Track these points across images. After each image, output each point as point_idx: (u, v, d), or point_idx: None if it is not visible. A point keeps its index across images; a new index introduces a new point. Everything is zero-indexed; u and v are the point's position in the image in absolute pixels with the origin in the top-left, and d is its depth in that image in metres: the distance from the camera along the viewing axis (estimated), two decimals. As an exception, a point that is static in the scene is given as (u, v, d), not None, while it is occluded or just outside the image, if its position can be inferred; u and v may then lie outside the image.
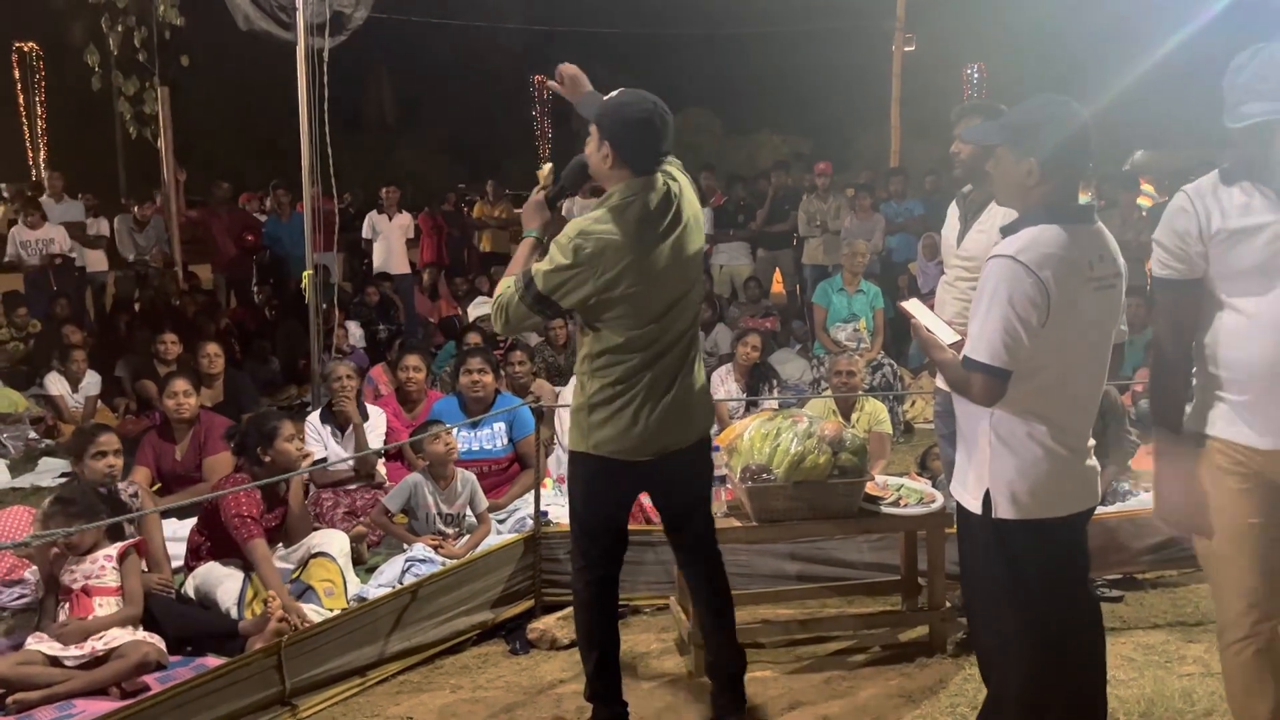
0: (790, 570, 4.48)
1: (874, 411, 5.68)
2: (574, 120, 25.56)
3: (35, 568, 4.03)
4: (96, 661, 3.58)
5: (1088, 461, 2.73)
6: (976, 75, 24.80)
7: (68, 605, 3.74)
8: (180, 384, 5.33)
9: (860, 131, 20.75)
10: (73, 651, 3.56)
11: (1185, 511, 2.73)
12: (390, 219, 10.70)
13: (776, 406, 6.36)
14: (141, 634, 3.72)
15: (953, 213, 4.06)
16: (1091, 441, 2.75)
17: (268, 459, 4.25)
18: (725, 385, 6.80)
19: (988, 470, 2.67)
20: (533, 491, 5.40)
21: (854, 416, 5.68)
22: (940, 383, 3.91)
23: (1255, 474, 2.63)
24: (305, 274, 6.14)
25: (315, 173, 6.01)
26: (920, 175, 11.55)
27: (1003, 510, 2.65)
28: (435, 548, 4.54)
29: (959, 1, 18.14)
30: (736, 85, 25.36)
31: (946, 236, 4.07)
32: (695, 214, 3.09)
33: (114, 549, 3.81)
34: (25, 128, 23.40)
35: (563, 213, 11.51)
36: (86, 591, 3.73)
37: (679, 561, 3.49)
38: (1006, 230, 2.64)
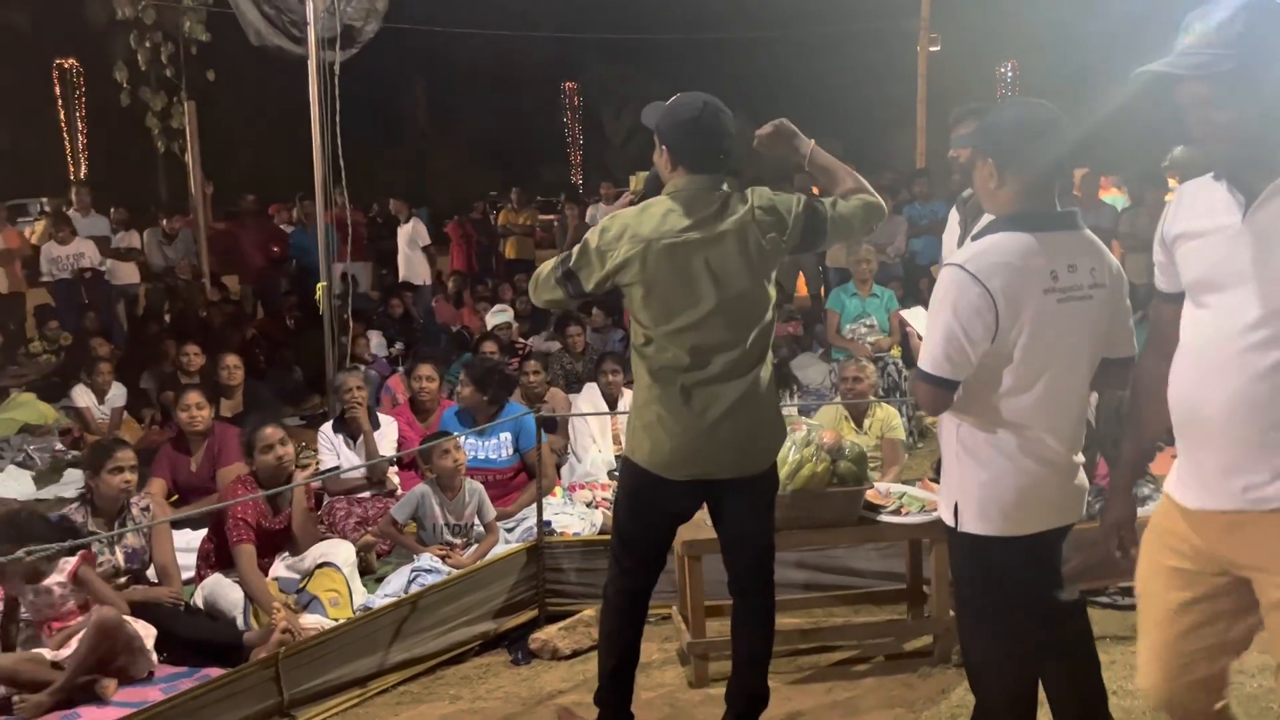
0: (798, 578, 4.44)
1: (886, 417, 5.63)
2: (605, 127, 25.50)
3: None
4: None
5: (1072, 479, 2.63)
6: (1010, 73, 24.58)
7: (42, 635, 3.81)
8: (193, 396, 5.39)
9: (892, 132, 20.61)
10: (65, 653, 3.62)
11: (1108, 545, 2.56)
12: (401, 226, 10.77)
13: (795, 413, 6.34)
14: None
15: (953, 218, 4.02)
16: (1079, 458, 2.65)
17: (254, 468, 4.31)
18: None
19: (955, 482, 2.64)
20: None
21: (866, 423, 5.63)
22: None
23: (1187, 542, 2.29)
24: (319, 285, 6.18)
25: (327, 185, 6.04)
26: (947, 176, 11.44)
27: (968, 524, 2.60)
28: (443, 558, 4.55)
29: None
30: (767, 89, 25.25)
31: (947, 242, 4.04)
32: (756, 241, 2.91)
33: (63, 572, 3.83)
34: (66, 143, 23.83)
35: (586, 219, 11.58)
36: (48, 625, 3.79)
37: (728, 579, 3.30)
38: (975, 237, 2.60)
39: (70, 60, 23.57)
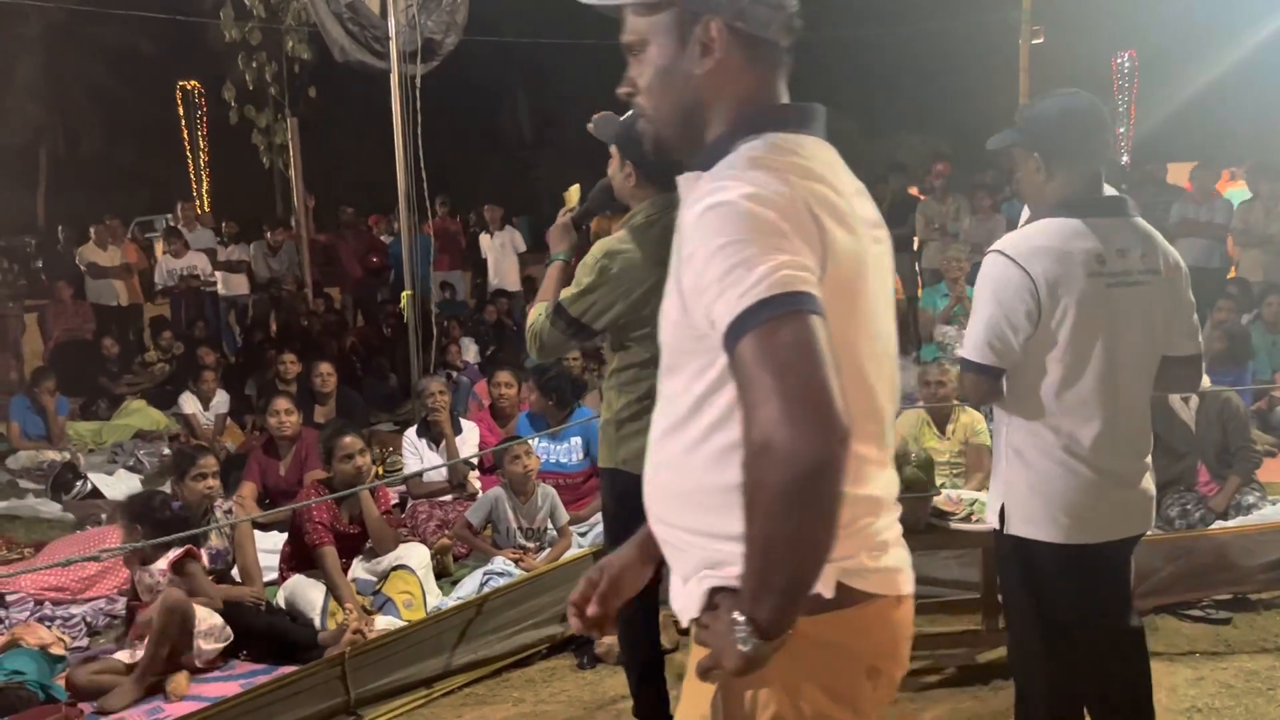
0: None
1: (970, 422, 5.46)
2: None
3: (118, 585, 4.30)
4: None
5: (1133, 487, 2.51)
6: (1128, 63, 23.69)
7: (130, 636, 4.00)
8: (281, 403, 5.57)
9: (994, 129, 20.01)
10: (139, 654, 3.78)
11: None
12: (491, 236, 10.94)
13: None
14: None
15: (1025, 216, 3.89)
16: (1144, 463, 2.54)
17: (330, 474, 4.42)
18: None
19: (1003, 482, 2.57)
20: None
21: (949, 428, 5.47)
22: None
23: None
24: (404, 294, 6.32)
25: (410, 195, 6.18)
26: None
27: (1015, 526, 2.53)
28: (515, 561, 4.61)
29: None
30: (871, 86, 24.93)
31: None
32: None
33: (165, 560, 4.00)
34: (189, 162, 24.87)
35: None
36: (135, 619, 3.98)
37: None
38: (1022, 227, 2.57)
39: (192, 82, 24.56)
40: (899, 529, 1.52)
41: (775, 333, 1.23)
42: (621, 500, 3.11)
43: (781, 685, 1.39)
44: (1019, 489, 2.51)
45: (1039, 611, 2.55)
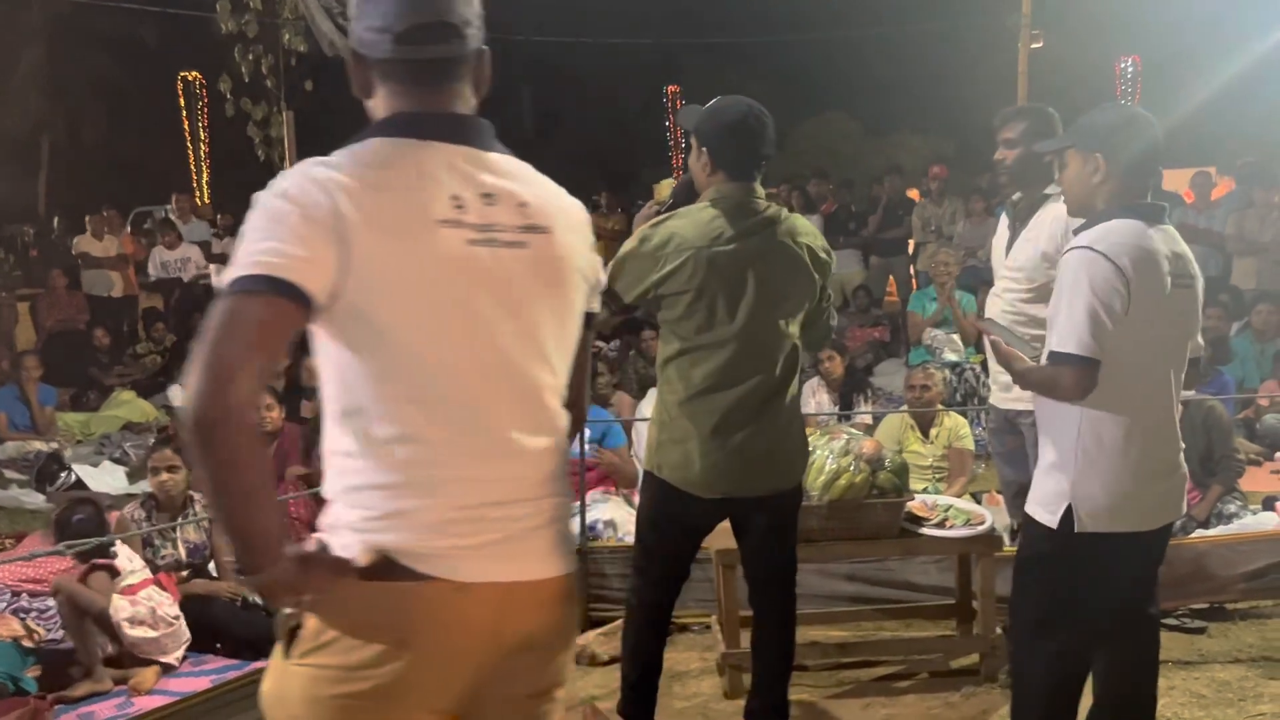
0: (846, 590, 4.35)
1: (954, 426, 5.46)
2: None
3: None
4: None
5: (1179, 472, 2.68)
6: (1131, 69, 23.67)
7: None
8: (263, 397, 5.56)
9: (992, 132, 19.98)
10: None
11: None
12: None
13: (870, 420, 6.22)
14: None
15: (1002, 222, 3.87)
16: (1182, 445, 2.69)
17: (310, 469, 4.42)
18: (816, 397, 6.66)
19: (1071, 480, 2.59)
20: (611, 500, 5.44)
21: (933, 431, 5.47)
22: (995, 400, 3.74)
23: None
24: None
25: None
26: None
27: (1088, 523, 2.57)
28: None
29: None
30: (873, 87, 24.87)
31: (996, 246, 3.89)
32: (797, 259, 2.89)
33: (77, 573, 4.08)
34: (190, 153, 24.88)
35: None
36: None
37: (749, 593, 3.27)
38: (1079, 230, 2.65)
39: (194, 73, 24.57)
40: (504, 522, 1.59)
41: (221, 304, 1.41)
42: (657, 505, 3.05)
43: (314, 634, 1.53)
44: (1092, 488, 2.56)
45: (1081, 606, 2.63)
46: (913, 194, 11.38)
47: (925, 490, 5.20)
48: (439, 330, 1.55)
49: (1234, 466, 5.24)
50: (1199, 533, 4.88)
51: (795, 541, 3.15)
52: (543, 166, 1.78)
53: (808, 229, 2.97)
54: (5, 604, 4.60)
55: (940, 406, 5.54)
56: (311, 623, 1.53)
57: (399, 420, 1.54)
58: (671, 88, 26.26)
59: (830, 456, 3.64)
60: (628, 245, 2.91)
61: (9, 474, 6.84)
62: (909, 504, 3.86)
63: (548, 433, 1.67)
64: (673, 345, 2.92)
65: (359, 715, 1.54)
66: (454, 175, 1.58)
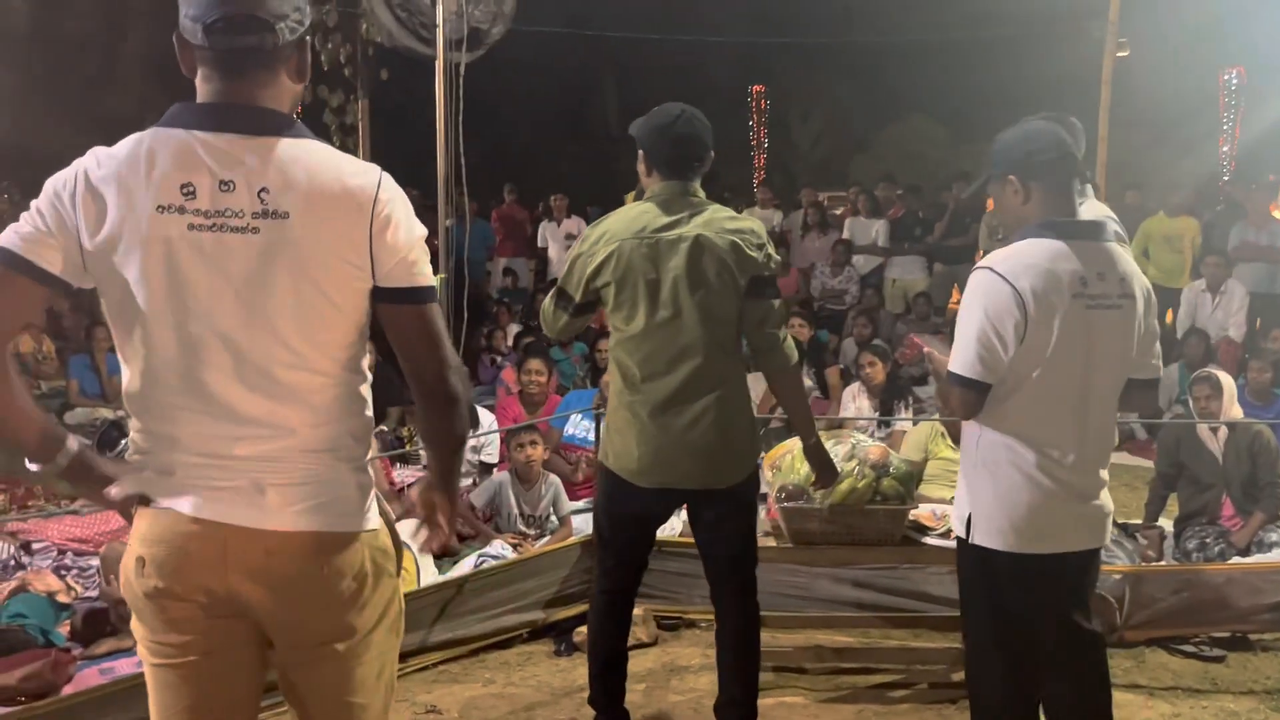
0: (860, 597, 4.33)
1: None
2: (792, 130, 25.08)
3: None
4: None
5: (1091, 500, 2.60)
6: (1235, 80, 22.87)
7: None
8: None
9: (1094, 141, 19.51)
10: None
11: None
12: (559, 225, 11.01)
13: (912, 424, 6.15)
14: None
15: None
16: (1101, 477, 2.62)
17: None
18: (856, 402, 6.61)
19: (968, 493, 2.65)
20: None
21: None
22: None
23: None
24: (438, 277, 6.43)
25: (449, 183, 6.29)
26: (1121, 190, 10.79)
27: (979, 536, 2.61)
28: (514, 546, 4.68)
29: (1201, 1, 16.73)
30: (960, 92, 24.46)
31: None
32: (711, 249, 2.90)
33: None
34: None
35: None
36: None
37: (709, 588, 3.27)
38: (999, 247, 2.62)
39: (293, 60, 25.35)
40: (230, 473, 1.80)
41: None
42: (608, 495, 3.13)
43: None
44: (985, 500, 2.60)
45: (997, 621, 2.65)
46: (991, 204, 11.20)
47: (953, 499, 5.15)
48: (155, 306, 1.76)
49: (1279, 494, 5.07)
50: (1235, 560, 4.74)
51: (752, 537, 3.18)
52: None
53: (741, 224, 2.98)
54: (51, 561, 4.83)
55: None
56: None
57: (135, 377, 1.81)
58: (756, 87, 26.17)
59: (835, 460, 3.62)
60: (574, 246, 3.05)
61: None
62: (917, 513, 3.84)
63: (284, 401, 1.81)
64: (612, 338, 3.02)
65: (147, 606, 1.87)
66: (194, 164, 1.74)
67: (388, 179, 1.84)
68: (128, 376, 1.82)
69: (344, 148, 9.76)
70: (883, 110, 22.22)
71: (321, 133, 11.47)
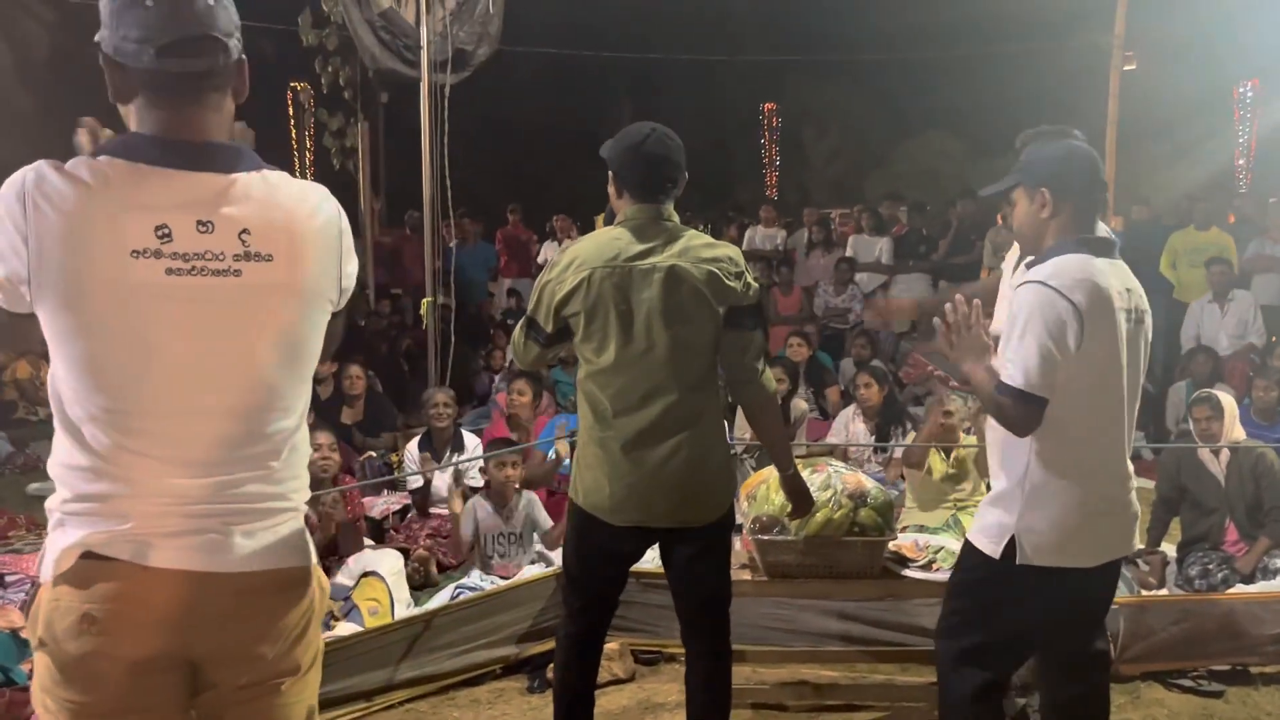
0: (847, 630, 4.19)
1: (973, 454, 5.24)
2: (806, 148, 25.08)
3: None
4: None
5: (1130, 508, 2.65)
6: (1251, 93, 22.66)
7: None
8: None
9: (1102, 154, 19.32)
10: None
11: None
12: (560, 244, 10.94)
13: (900, 453, 6.00)
14: None
15: (1006, 270, 3.70)
16: (1133, 481, 2.67)
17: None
18: (850, 427, 6.47)
19: (1017, 512, 2.57)
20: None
21: (954, 455, 5.26)
22: None
23: None
24: (424, 301, 6.36)
25: (435, 204, 6.22)
26: (1130, 203, 10.63)
27: (1031, 556, 2.55)
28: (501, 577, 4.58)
29: (1212, 13, 16.58)
30: (976, 107, 24.37)
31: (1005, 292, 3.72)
32: (687, 280, 2.76)
33: None
34: (295, 160, 25.70)
35: (744, 243, 11.43)
36: None
37: (680, 628, 3.10)
38: (1031, 265, 2.62)
39: (303, 83, 25.39)
40: (197, 519, 1.70)
41: None
42: (578, 533, 2.98)
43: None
44: (1038, 521, 2.55)
45: (1022, 636, 2.66)
46: (1000, 220, 11.07)
47: (952, 514, 5.04)
48: (122, 350, 1.66)
49: (1287, 519, 4.89)
50: (1239, 588, 4.57)
51: (727, 576, 3.02)
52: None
53: (718, 251, 2.83)
54: (25, 594, 4.74)
55: (963, 434, 5.34)
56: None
57: (89, 421, 1.68)
58: (769, 105, 26.19)
59: (811, 490, 3.50)
60: (542, 274, 2.90)
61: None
62: (899, 543, 3.71)
63: (255, 444, 1.75)
64: (582, 370, 2.87)
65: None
66: (170, 204, 1.66)
67: (335, 201, 1.85)
68: (80, 419, 1.68)
69: (344, 170, 9.80)
70: (898, 126, 22.12)
71: (322, 155, 11.48)
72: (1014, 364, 2.49)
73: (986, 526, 2.64)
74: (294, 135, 25.39)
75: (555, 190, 19.36)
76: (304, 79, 24.44)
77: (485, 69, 6.21)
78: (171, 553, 1.69)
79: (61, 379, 1.68)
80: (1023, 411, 2.48)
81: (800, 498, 3.16)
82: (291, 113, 25.43)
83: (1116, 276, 2.55)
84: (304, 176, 26.54)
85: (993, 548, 2.60)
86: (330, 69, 10.34)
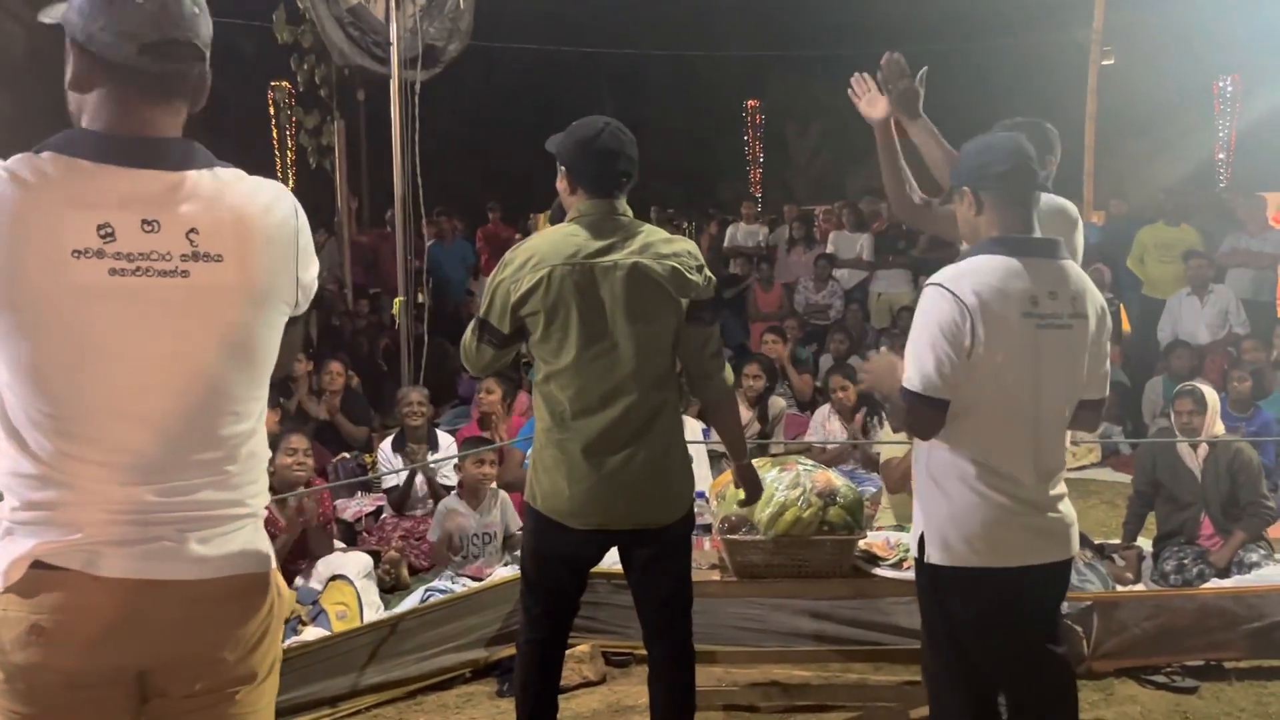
0: (826, 630, 4.14)
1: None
2: (789, 145, 25.16)
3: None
4: None
5: (1047, 513, 2.55)
6: (1230, 88, 22.72)
7: None
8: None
9: (1068, 149, 19.36)
10: None
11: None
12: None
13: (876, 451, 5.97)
14: None
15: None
16: (1057, 490, 2.57)
17: (272, 470, 4.41)
18: (827, 426, 6.44)
19: (920, 511, 2.60)
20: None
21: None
22: None
23: None
24: (396, 300, 6.30)
25: (406, 202, 6.16)
26: (1108, 198, 10.64)
27: (933, 555, 2.55)
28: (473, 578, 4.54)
29: (1191, 8, 16.62)
30: (960, 103, 24.36)
31: None
32: (649, 277, 2.72)
33: None
34: (277, 159, 25.58)
35: (726, 239, 11.39)
36: None
37: (642, 631, 3.04)
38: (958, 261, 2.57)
39: (284, 82, 25.27)
40: (138, 521, 1.64)
41: None
42: (536, 537, 2.91)
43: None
44: (938, 517, 2.54)
45: (956, 649, 2.58)
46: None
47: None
48: (66, 356, 1.60)
49: (1261, 513, 4.87)
50: (1214, 583, 4.55)
51: (687, 577, 2.97)
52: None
53: (677, 246, 2.79)
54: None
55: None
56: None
57: (35, 430, 1.62)
58: (751, 102, 26.15)
59: (779, 489, 3.46)
60: (493, 273, 2.82)
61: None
62: (868, 541, 3.67)
63: (210, 449, 1.70)
64: (539, 370, 2.80)
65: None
66: (113, 202, 1.60)
67: (293, 198, 1.79)
68: (23, 425, 1.62)
69: (320, 169, 9.68)
70: (879, 123, 22.15)
71: (298, 154, 11.36)
72: (911, 367, 2.48)
73: (913, 529, 2.67)
74: (275, 135, 25.31)
75: (536, 188, 19.26)
76: (285, 78, 24.42)
77: (461, 65, 6.14)
78: (122, 561, 1.64)
79: (4, 383, 1.62)
80: (921, 415, 2.47)
81: (752, 486, 3.15)
82: (273, 112, 25.35)
83: (1040, 278, 2.46)
84: (285, 176, 26.42)
85: (913, 546, 2.65)
86: (306, 67, 10.22)
